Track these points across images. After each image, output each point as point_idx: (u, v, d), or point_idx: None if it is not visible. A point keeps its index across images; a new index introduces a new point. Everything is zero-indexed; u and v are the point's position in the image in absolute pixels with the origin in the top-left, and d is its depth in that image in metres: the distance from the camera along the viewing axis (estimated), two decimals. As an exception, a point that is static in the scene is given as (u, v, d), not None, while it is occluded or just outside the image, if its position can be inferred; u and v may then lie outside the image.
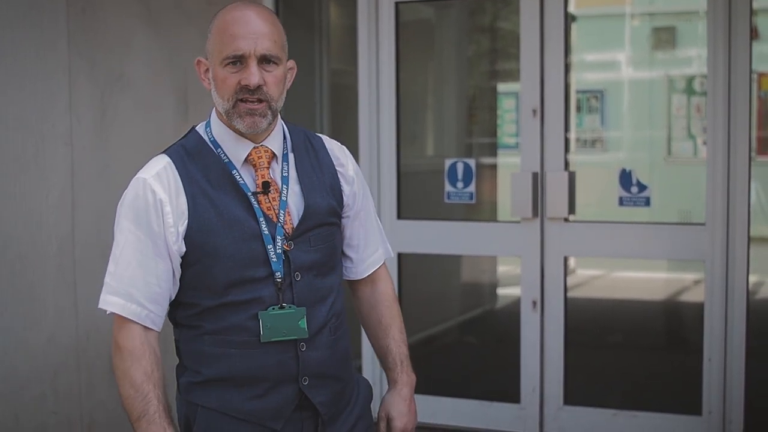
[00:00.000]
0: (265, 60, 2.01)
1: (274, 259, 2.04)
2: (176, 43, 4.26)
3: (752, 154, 4.15)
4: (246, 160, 2.08)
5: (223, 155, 2.07)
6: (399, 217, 4.74)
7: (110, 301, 2.01)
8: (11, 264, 3.63)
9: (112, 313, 2.02)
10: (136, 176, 2.04)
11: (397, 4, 4.67)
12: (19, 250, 3.66)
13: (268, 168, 2.09)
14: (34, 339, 3.72)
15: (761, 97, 7.07)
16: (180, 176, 2.02)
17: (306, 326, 2.06)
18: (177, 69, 4.24)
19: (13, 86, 3.64)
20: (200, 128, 2.12)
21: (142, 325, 2.00)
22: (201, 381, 2.06)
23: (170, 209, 2.00)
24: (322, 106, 5.27)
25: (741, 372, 4.14)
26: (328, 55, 5.44)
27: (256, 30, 2.00)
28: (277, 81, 2.04)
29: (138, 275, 2.00)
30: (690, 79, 7.15)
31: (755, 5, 4.10)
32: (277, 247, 2.04)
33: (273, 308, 2.04)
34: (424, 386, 4.92)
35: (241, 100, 2.01)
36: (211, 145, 2.08)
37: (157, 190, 2.00)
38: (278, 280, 2.04)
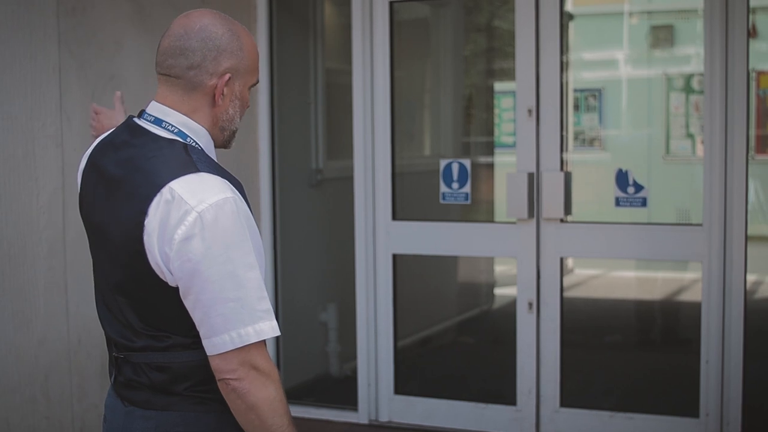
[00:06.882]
0: None
1: None
2: (168, 42, 4.21)
3: (751, 152, 4.12)
4: None
5: None
6: (394, 218, 4.71)
7: (273, 327, 1.85)
8: (1, 265, 3.60)
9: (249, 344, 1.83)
10: (218, 198, 1.81)
11: (391, 3, 4.64)
12: (8, 251, 3.63)
13: None
14: (24, 342, 3.68)
15: (760, 96, 7.03)
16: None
17: None
18: (169, 69, 4.19)
19: (3, 86, 3.61)
20: (191, 142, 1.95)
21: None
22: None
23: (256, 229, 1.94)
24: (316, 106, 5.23)
25: (739, 373, 4.11)
26: (323, 54, 5.40)
27: None
28: None
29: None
30: (688, 78, 7.12)
31: (753, 3, 4.07)
32: None
33: None
34: (420, 388, 4.92)
35: None
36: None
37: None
38: None
